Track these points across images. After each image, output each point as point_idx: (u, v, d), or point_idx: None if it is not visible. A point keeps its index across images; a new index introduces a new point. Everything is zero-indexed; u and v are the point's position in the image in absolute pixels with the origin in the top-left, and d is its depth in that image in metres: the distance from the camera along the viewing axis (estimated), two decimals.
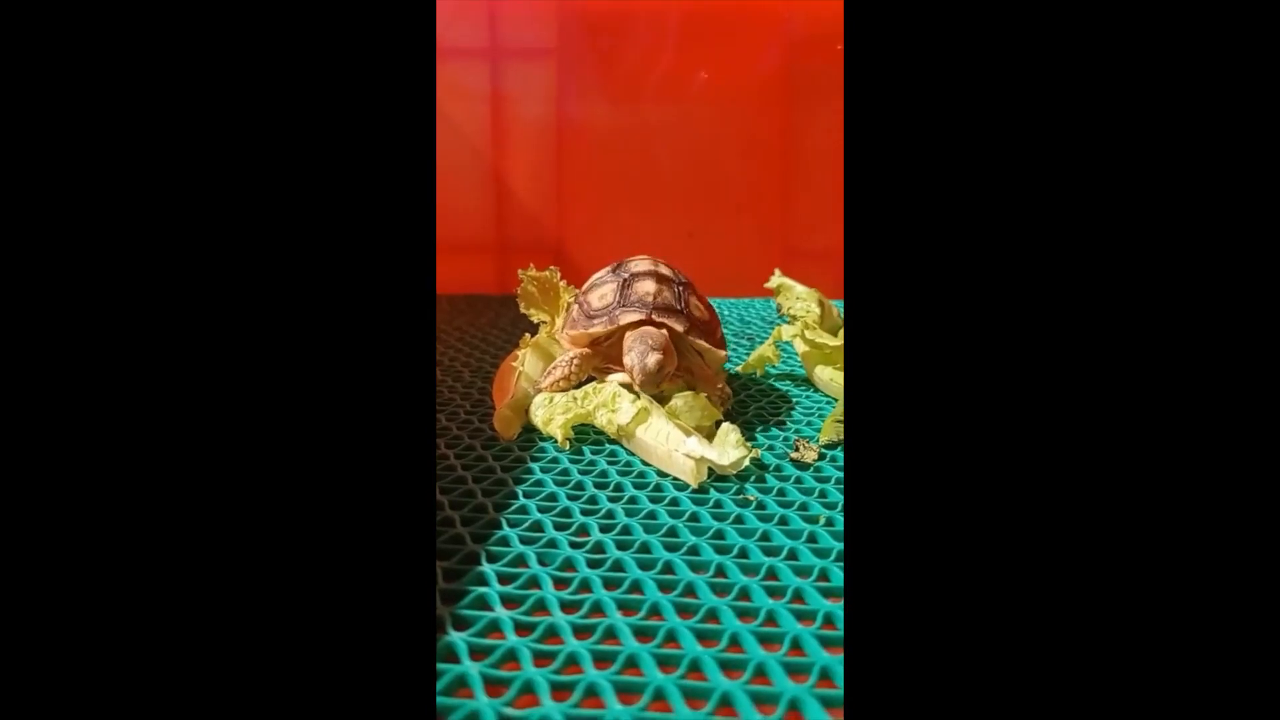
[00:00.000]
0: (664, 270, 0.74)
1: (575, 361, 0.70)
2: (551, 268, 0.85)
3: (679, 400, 0.65)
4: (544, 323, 0.85)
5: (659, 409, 0.63)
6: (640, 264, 0.74)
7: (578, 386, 0.70)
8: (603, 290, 0.73)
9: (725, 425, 0.61)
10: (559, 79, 1.31)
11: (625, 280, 0.72)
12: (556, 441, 0.66)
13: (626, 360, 0.66)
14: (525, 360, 0.76)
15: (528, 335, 0.82)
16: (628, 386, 0.67)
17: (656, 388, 0.66)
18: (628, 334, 0.69)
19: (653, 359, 0.64)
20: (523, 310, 0.84)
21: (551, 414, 0.67)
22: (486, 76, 1.31)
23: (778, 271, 0.89)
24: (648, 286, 0.71)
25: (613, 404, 0.65)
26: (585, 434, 0.68)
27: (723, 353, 0.72)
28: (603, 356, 0.72)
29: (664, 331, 0.68)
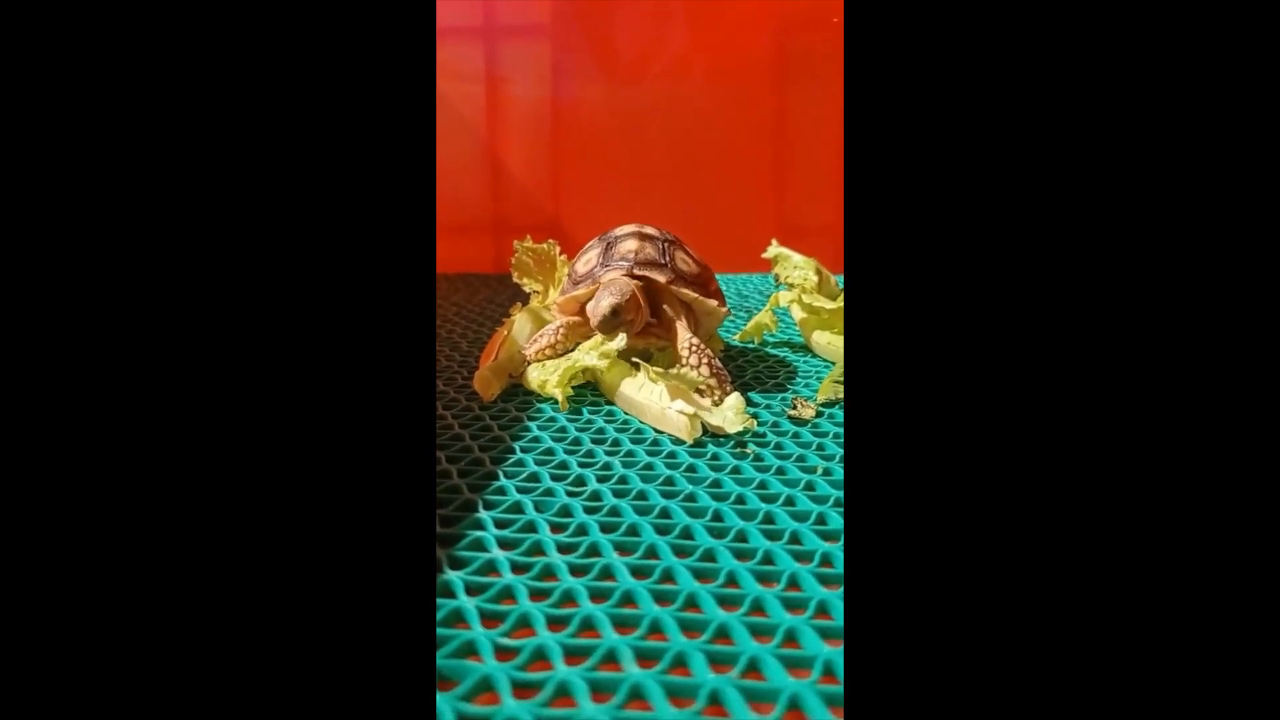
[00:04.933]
0: (648, 230, 0.74)
1: (561, 330, 0.70)
2: (550, 240, 0.85)
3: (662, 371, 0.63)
4: (536, 292, 0.85)
5: (649, 369, 0.62)
6: (624, 229, 0.75)
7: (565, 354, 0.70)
8: (588, 256, 0.74)
9: (733, 395, 0.61)
10: (553, 58, 1.30)
11: (609, 244, 0.73)
12: (556, 403, 0.65)
13: (588, 309, 0.66)
14: (514, 325, 0.76)
15: (519, 304, 0.82)
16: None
17: (613, 333, 0.65)
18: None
19: (605, 302, 0.64)
20: (515, 279, 0.84)
21: (545, 376, 0.67)
22: (481, 56, 1.31)
23: (775, 241, 0.88)
24: (630, 245, 0.71)
25: (600, 342, 0.65)
26: (583, 395, 0.68)
27: (713, 303, 0.71)
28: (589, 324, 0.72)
29: (630, 282, 0.67)
